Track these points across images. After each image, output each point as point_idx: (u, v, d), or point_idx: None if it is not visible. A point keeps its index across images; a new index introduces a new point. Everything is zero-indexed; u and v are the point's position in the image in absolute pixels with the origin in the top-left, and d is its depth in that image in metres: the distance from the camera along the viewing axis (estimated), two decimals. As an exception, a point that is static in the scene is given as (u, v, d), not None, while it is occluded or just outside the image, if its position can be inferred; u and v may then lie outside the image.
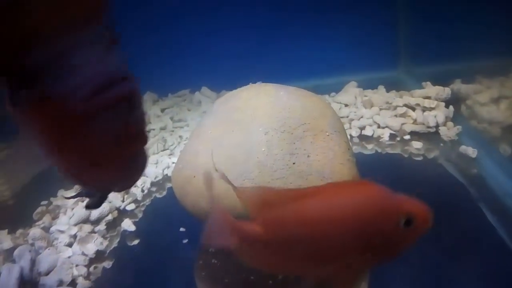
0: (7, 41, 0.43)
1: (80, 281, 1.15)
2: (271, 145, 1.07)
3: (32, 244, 1.23)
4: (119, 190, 0.75)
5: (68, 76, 0.45)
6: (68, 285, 1.13)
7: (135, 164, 0.53)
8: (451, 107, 1.71)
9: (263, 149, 1.06)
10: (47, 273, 1.15)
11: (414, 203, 0.72)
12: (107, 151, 0.48)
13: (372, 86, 2.02)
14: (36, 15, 0.43)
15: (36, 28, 0.43)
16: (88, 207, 0.72)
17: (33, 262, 1.14)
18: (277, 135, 1.08)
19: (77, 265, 1.18)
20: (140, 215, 1.42)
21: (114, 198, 1.42)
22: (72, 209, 1.38)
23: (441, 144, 1.63)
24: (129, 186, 0.62)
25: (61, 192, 1.50)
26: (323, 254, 0.74)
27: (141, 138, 0.50)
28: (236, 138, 1.08)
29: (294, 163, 1.06)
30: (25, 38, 0.43)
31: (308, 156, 1.08)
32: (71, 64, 0.45)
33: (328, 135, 1.12)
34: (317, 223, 0.71)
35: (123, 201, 1.43)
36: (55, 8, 0.44)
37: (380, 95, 1.93)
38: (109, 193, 0.70)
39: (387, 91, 1.98)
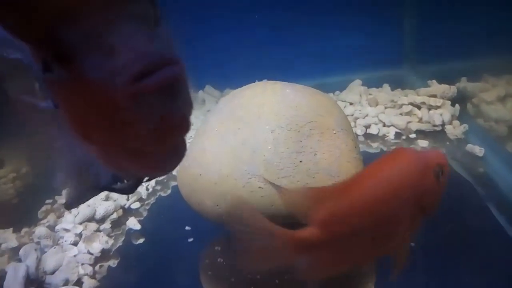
0: (45, 10, 0.39)
1: (86, 280, 1.14)
2: (278, 143, 1.06)
3: (38, 243, 1.23)
4: (154, 177, 0.71)
5: (109, 56, 0.40)
6: (74, 284, 1.13)
7: (174, 151, 0.50)
8: (457, 106, 1.70)
9: (269, 147, 1.06)
10: (53, 272, 1.14)
11: (436, 154, 0.80)
12: (146, 138, 0.44)
13: (377, 84, 2.02)
14: None
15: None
16: (121, 191, 0.68)
17: (39, 261, 1.14)
18: (283, 133, 1.07)
19: (82, 264, 1.18)
20: (145, 213, 1.42)
21: (119, 197, 1.42)
22: (77, 207, 1.37)
23: (447, 143, 1.62)
24: (165, 173, 0.58)
25: (66, 191, 1.49)
26: (387, 232, 0.77)
27: (183, 127, 0.45)
28: (242, 136, 1.08)
29: (301, 161, 1.06)
30: (63, 9, 0.40)
31: (315, 154, 1.07)
32: (113, 42, 0.40)
33: (335, 133, 1.12)
34: (379, 204, 0.74)
35: (128, 199, 1.43)
36: None
37: (385, 93, 1.92)
38: (144, 178, 0.66)
39: (392, 89, 1.98)
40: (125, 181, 0.66)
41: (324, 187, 0.87)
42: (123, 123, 0.42)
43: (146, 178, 0.71)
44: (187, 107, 0.46)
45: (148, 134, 0.43)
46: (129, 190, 0.67)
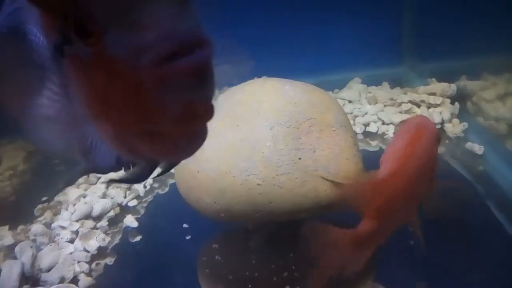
0: None
1: (82, 277, 1.13)
2: (277, 140, 1.05)
3: (34, 240, 1.22)
4: (171, 162, 0.65)
5: (137, 32, 0.38)
6: (70, 281, 1.11)
7: (196, 137, 0.46)
8: (456, 104, 1.69)
9: (268, 144, 1.05)
10: (48, 270, 1.13)
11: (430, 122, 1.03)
12: (170, 122, 0.41)
13: (376, 82, 2.00)
14: None
15: None
16: (131, 180, 0.63)
17: (34, 258, 1.13)
18: (282, 130, 1.06)
19: (79, 262, 1.17)
20: (142, 211, 1.41)
21: (116, 194, 1.41)
22: (74, 205, 1.36)
23: (447, 141, 1.61)
24: (183, 159, 0.54)
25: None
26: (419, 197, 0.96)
27: (207, 114, 0.42)
28: (241, 133, 1.07)
29: (300, 158, 1.05)
30: None
31: (314, 151, 1.06)
32: (142, 18, 0.38)
33: (334, 130, 1.11)
34: (416, 180, 0.92)
35: (125, 197, 1.41)
36: None
37: (384, 91, 1.91)
38: (157, 165, 0.61)
39: (392, 87, 1.97)
40: (131, 168, 0.61)
41: (373, 180, 0.97)
42: (146, 105, 0.39)
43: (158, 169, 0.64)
44: (211, 95, 0.43)
45: (173, 119, 0.40)
46: (141, 177, 0.61)
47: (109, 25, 0.38)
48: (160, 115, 0.40)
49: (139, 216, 1.38)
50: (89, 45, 0.39)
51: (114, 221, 1.35)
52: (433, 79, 1.83)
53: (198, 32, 0.39)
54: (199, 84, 0.40)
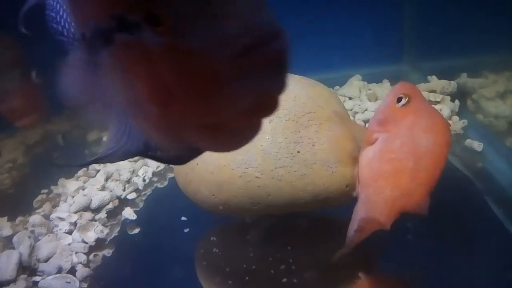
0: None
1: (80, 268, 1.13)
2: (275, 133, 1.05)
3: (32, 231, 1.22)
4: (219, 151, 0.62)
5: (215, 23, 0.36)
6: (67, 272, 1.12)
7: (252, 129, 0.45)
8: (456, 101, 1.69)
9: (267, 137, 1.05)
10: (46, 260, 1.13)
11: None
12: (233, 115, 0.40)
13: (377, 80, 2.00)
14: None
15: None
16: (169, 161, 0.61)
17: (32, 249, 1.13)
18: (281, 123, 1.06)
19: (76, 253, 1.17)
20: (141, 204, 1.41)
21: (115, 187, 1.41)
22: (73, 197, 1.36)
23: (446, 138, 1.60)
24: (234, 150, 0.52)
25: (62, 181, 1.48)
26: None
27: (273, 107, 0.41)
28: (240, 125, 1.06)
29: (298, 152, 1.05)
30: None
31: (313, 145, 1.06)
32: (221, 8, 0.36)
33: (333, 124, 1.11)
34: None
35: (124, 190, 1.41)
36: None
37: (385, 88, 1.91)
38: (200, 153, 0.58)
39: (392, 85, 1.96)
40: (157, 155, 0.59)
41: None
42: (217, 96, 0.38)
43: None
44: (283, 88, 0.41)
45: (241, 111, 0.39)
46: (179, 161, 0.60)
47: (184, 16, 0.36)
48: (230, 107, 0.39)
49: (137, 209, 1.38)
50: (158, 34, 0.37)
51: (113, 214, 1.35)
52: (434, 77, 1.83)
53: (276, 24, 0.38)
54: (275, 77, 0.39)
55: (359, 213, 1.01)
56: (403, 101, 1.05)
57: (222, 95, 0.38)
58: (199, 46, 0.36)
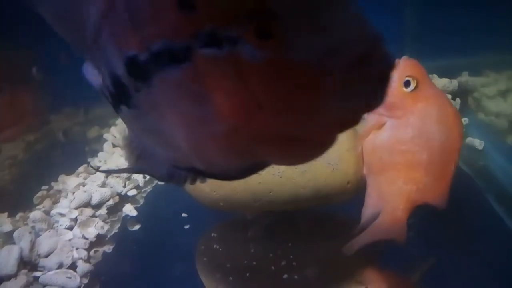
0: None
1: (80, 264, 1.13)
2: (277, 129, 1.05)
3: (33, 227, 1.22)
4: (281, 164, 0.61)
5: (323, 34, 0.35)
6: (68, 267, 1.12)
7: (326, 145, 0.44)
8: (457, 100, 1.69)
9: (268, 133, 1.04)
10: (47, 255, 1.13)
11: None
12: (319, 128, 0.39)
13: (377, 78, 2.00)
14: None
15: None
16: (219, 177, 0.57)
17: (33, 244, 1.13)
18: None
19: (77, 248, 1.17)
20: (141, 201, 1.41)
21: (116, 184, 1.41)
22: (73, 193, 1.36)
23: (447, 136, 1.60)
24: (298, 164, 0.51)
25: (62, 177, 1.48)
26: None
27: (356, 123, 0.40)
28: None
29: (299, 148, 1.04)
30: None
31: (314, 141, 1.06)
32: (329, 19, 0.35)
33: (334, 120, 1.10)
34: None
35: (124, 186, 1.41)
36: None
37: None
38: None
39: (392, 83, 1.96)
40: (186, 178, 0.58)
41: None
42: (311, 108, 0.37)
43: None
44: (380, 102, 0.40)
45: (330, 124, 0.38)
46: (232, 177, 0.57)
47: (296, 28, 0.35)
48: (323, 120, 0.38)
49: (138, 205, 1.38)
50: (261, 47, 0.36)
51: (113, 210, 1.35)
52: (434, 75, 1.82)
53: (380, 38, 0.36)
54: (376, 92, 0.37)
55: (372, 200, 1.00)
56: (412, 86, 1.02)
57: (322, 108, 0.37)
58: (307, 57, 0.35)
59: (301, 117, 0.38)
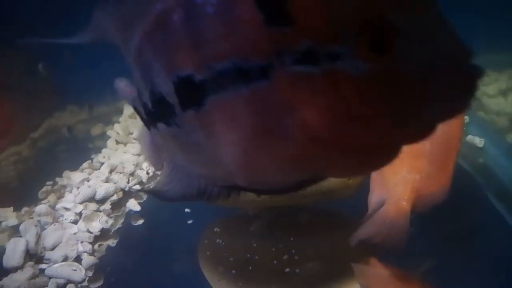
0: None
1: (85, 257, 1.15)
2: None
3: (38, 221, 1.23)
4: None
5: (432, 45, 0.36)
6: (73, 260, 1.13)
7: (394, 153, 0.44)
8: (458, 98, 1.70)
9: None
10: (52, 248, 1.15)
11: None
12: (403, 135, 0.40)
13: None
14: None
15: None
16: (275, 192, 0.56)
17: (38, 237, 1.15)
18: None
19: (82, 242, 1.18)
20: (145, 196, 1.42)
21: (120, 179, 1.42)
22: (78, 188, 1.37)
23: (448, 134, 1.61)
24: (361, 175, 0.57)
25: (67, 173, 1.50)
26: None
27: (431, 133, 0.40)
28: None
29: (302, 143, 1.05)
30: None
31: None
32: (435, 31, 0.36)
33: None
34: None
35: (128, 182, 1.43)
36: None
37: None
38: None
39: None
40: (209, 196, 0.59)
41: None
42: (407, 113, 0.37)
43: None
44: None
45: (417, 130, 0.39)
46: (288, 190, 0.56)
47: (410, 39, 0.36)
48: (415, 127, 0.39)
49: (141, 201, 1.39)
50: (368, 60, 0.36)
51: (117, 205, 1.36)
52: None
53: (470, 48, 0.38)
54: (466, 98, 0.38)
55: (377, 189, 1.01)
56: None
57: (418, 115, 0.38)
58: (416, 70, 0.36)
59: (394, 126, 0.38)
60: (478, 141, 1.50)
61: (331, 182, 1.06)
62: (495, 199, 1.26)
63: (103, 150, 1.64)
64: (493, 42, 1.60)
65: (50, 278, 1.09)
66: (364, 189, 1.09)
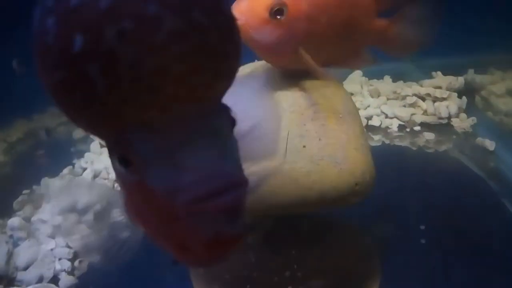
0: (120, 117, 0.40)
1: (63, 276, 1.05)
2: (279, 126, 0.97)
3: (10, 236, 1.12)
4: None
5: (176, 171, 0.41)
6: (49, 281, 1.03)
7: (220, 255, 0.48)
8: (464, 98, 1.62)
9: (270, 131, 0.96)
10: (25, 268, 1.04)
11: None
12: (197, 245, 0.45)
13: (378, 76, 1.93)
14: (167, 87, 0.39)
15: (153, 110, 0.40)
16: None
17: (10, 255, 1.04)
18: (285, 116, 0.98)
19: (60, 259, 1.08)
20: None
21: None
22: (57, 197, 1.26)
23: (454, 136, 1.53)
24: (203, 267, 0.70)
25: (45, 180, 1.38)
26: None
27: (234, 241, 0.45)
28: (241, 118, 0.98)
29: (304, 146, 0.96)
30: (138, 119, 0.40)
31: (319, 139, 0.98)
32: (183, 158, 0.41)
33: (341, 117, 1.02)
34: None
35: (113, 189, 1.32)
36: (190, 85, 0.40)
37: (387, 84, 1.83)
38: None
39: (394, 81, 1.89)
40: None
41: None
42: (178, 229, 0.44)
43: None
44: (242, 223, 0.45)
45: (201, 243, 0.44)
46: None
47: (150, 160, 0.41)
48: (190, 239, 0.44)
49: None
50: (132, 172, 0.43)
51: (101, 215, 1.25)
52: (439, 73, 1.76)
53: (234, 175, 0.43)
54: (229, 220, 0.43)
55: None
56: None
57: (180, 228, 0.44)
58: (160, 188, 0.42)
59: (174, 232, 0.46)
60: (489, 144, 1.41)
61: (336, 189, 0.97)
62: (511, 206, 1.18)
63: (86, 155, 1.54)
64: (497, 39, 1.54)
65: (22, 302, 0.98)
66: (372, 197, 1.01)
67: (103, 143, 1.49)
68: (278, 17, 0.88)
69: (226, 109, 0.45)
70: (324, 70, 0.99)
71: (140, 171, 0.42)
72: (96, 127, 0.43)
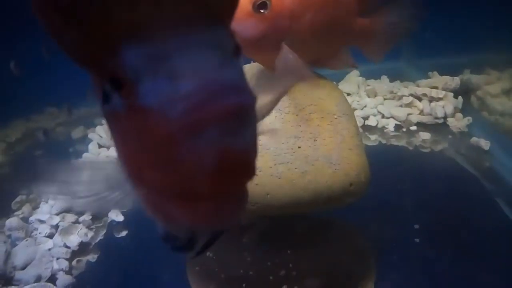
0: (108, 25, 0.36)
1: (61, 276, 1.05)
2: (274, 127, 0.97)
3: (8, 236, 1.13)
4: (209, 231, 0.60)
5: (171, 80, 0.36)
6: (47, 280, 1.03)
7: (231, 200, 0.42)
8: (460, 98, 1.63)
9: (265, 132, 0.97)
10: (23, 267, 1.05)
11: None
12: (201, 180, 0.37)
13: (375, 76, 1.94)
14: (141, 4, 0.36)
15: (140, 19, 0.36)
16: (177, 249, 0.59)
17: (8, 255, 1.04)
18: (281, 116, 0.99)
19: (58, 258, 1.09)
20: (129, 205, 1.32)
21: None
22: (55, 197, 1.27)
23: (450, 136, 1.54)
24: (221, 228, 0.52)
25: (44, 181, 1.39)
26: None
27: (245, 170, 0.38)
28: (236, 119, 0.98)
29: (299, 147, 0.97)
30: (129, 26, 0.36)
31: (314, 140, 0.98)
32: (178, 65, 0.36)
33: (336, 118, 1.03)
34: None
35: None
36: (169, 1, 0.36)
37: (384, 84, 1.84)
38: (200, 234, 0.57)
39: (391, 81, 1.90)
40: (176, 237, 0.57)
41: None
42: (179, 158, 0.36)
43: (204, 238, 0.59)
44: (252, 149, 0.39)
45: (203, 173, 0.37)
46: (184, 248, 0.58)
47: (146, 73, 0.37)
48: (190, 169, 0.37)
49: (125, 210, 1.29)
50: (124, 97, 0.38)
51: (98, 215, 1.26)
52: (435, 73, 1.77)
53: (238, 81, 0.37)
54: (232, 132, 0.36)
55: None
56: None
57: (180, 155, 0.36)
58: (153, 104, 0.36)
59: (175, 167, 0.37)
60: (484, 144, 1.42)
61: (331, 189, 0.98)
62: (506, 206, 1.19)
63: (84, 155, 1.54)
64: (493, 40, 1.55)
65: (20, 302, 0.98)
66: (367, 198, 1.01)
67: (101, 143, 1.49)
68: (262, 11, 0.88)
69: (232, 35, 0.41)
70: (308, 68, 0.99)
71: (133, 90, 0.37)
72: (84, 44, 0.38)
